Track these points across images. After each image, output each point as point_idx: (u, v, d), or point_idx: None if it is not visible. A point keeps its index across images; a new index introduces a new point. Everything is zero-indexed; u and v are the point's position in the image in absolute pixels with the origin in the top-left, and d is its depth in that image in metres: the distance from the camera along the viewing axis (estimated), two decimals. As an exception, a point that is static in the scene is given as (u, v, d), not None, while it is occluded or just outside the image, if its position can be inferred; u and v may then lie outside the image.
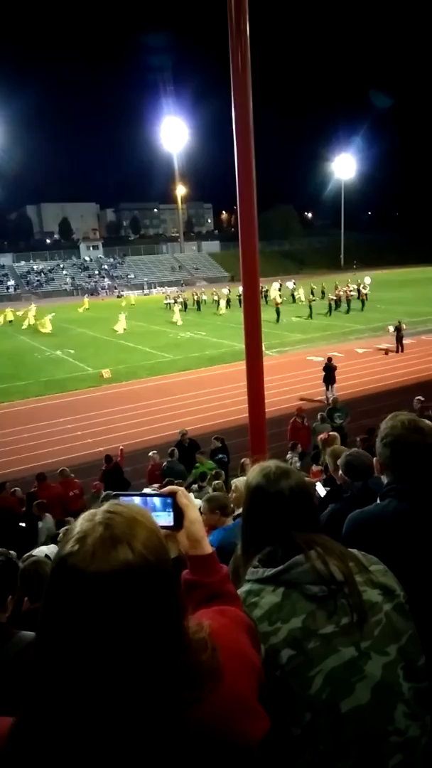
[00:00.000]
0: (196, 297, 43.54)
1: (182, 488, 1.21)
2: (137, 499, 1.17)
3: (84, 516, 0.83)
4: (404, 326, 23.18)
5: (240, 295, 40.34)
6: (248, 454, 7.91)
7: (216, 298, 40.79)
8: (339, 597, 1.16)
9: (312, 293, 36.76)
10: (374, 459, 1.96)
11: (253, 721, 0.91)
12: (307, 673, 1.08)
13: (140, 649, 0.77)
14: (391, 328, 23.48)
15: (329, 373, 16.45)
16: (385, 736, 1.05)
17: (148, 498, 1.18)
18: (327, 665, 1.08)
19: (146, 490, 6.52)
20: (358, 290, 38.21)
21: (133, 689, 0.76)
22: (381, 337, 25.22)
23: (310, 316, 33.25)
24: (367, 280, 41.77)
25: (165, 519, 1.17)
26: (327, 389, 16.50)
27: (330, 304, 34.98)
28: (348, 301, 35.82)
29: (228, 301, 40.32)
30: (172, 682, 0.81)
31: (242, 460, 8.95)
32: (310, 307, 33.81)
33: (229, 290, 43.47)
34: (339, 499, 3.24)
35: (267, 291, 38.98)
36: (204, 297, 43.59)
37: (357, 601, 1.15)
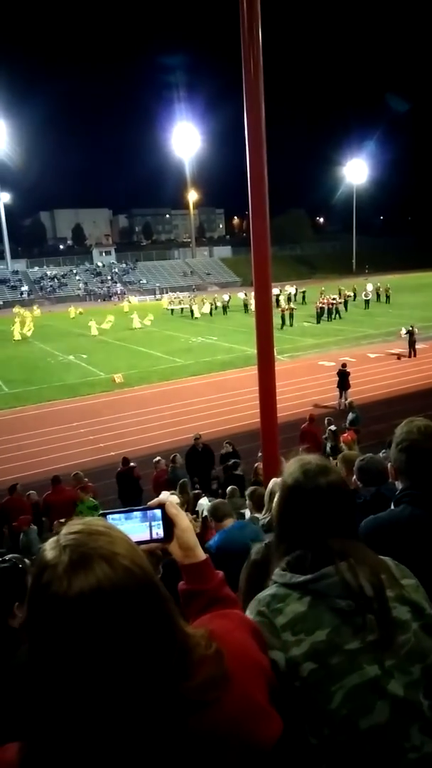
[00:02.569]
0: (184, 304, 44.43)
1: (170, 499, 1.20)
2: (136, 514, 1.16)
3: (48, 544, 0.81)
4: (417, 331, 23.04)
5: (226, 304, 40.89)
6: (261, 458, 7.88)
7: (191, 304, 41.91)
8: (367, 612, 1.12)
9: (290, 299, 36.22)
10: (388, 464, 1.94)
11: (266, 724, 0.90)
12: (327, 688, 1.06)
13: (136, 659, 0.76)
14: (404, 333, 23.35)
15: (343, 378, 16.39)
16: (403, 753, 1.03)
17: (136, 512, 1.17)
18: (349, 682, 1.06)
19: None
20: (345, 297, 37.80)
21: (136, 700, 0.75)
22: (393, 342, 25.09)
23: (282, 326, 31.42)
24: (369, 287, 41.18)
25: (156, 531, 1.16)
26: (341, 395, 16.44)
27: (317, 312, 34.20)
28: (329, 311, 34.78)
29: (220, 307, 41.20)
30: (175, 687, 0.79)
31: (255, 465, 8.93)
32: (282, 317, 32.03)
33: (215, 297, 44.00)
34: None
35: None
36: (193, 305, 43.91)
37: (385, 618, 1.12)
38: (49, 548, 0.80)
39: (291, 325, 32.26)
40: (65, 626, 0.73)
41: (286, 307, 34.11)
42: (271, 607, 1.17)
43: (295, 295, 43.57)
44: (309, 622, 1.12)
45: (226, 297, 43.65)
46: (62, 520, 8.88)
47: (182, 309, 43.70)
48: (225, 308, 41.48)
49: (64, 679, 0.73)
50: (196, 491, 10.04)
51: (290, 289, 44.72)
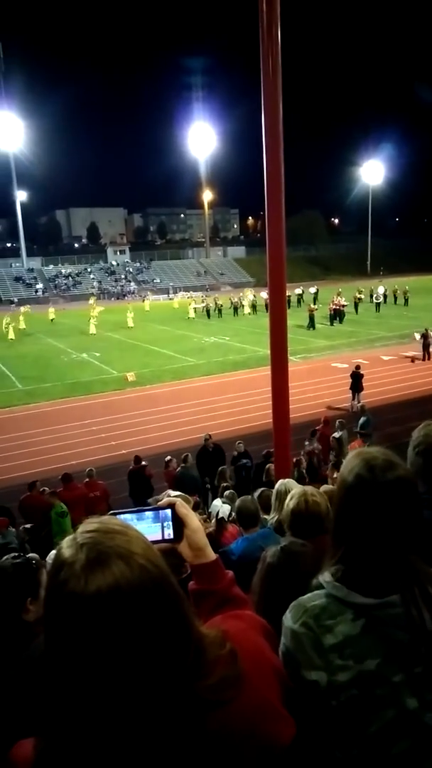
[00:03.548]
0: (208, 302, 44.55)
1: (180, 499, 1.20)
2: (149, 514, 1.16)
3: (65, 542, 0.81)
4: (431, 333, 22.85)
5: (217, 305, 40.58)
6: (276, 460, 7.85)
7: (215, 303, 42.19)
8: (421, 646, 1.05)
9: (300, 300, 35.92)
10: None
11: (280, 725, 0.90)
12: (366, 715, 1.03)
13: (152, 658, 0.76)
14: (418, 336, 23.16)
15: (356, 380, 16.29)
16: None
17: (148, 512, 1.16)
18: (388, 714, 1.02)
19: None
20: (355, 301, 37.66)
21: (152, 698, 0.75)
22: (407, 345, 24.91)
23: (309, 326, 31.97)
24: (381, 289, 40.60)
25: (166, 531, 1.16)
26: (354, 397, 16.34)
27: (331, 314, 33.96)
28: (340, 314, 34.32)
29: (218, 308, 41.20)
30: (190, 686, 0.80)
31: (267, 466, 8.91)
32: (311, 317, 32.28)
33: (240, 296, 43.98)
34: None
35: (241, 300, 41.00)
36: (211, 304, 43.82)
37: None
38: (66, 546, 0.80)
39: (313, 327, 32.19)
40: (82, 624, 0.73)
41: (314, 307, 34.04)
42: (320, 621, 1.09)
43: (315, 296, 43.53)
44: (360, 649, 1.05)
45: (251, 296, 43.33)
46: (27, 526, 8.73)
47: (204, 308, 42.24)
48: (236, 309, 41.27)
49: (80, 676, 0.73)
50: (227, 488, 9.96)
51: (312, 290, 44.85)
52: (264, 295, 41.08)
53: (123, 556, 0.77)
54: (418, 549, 1.12)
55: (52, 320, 41.60)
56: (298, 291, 44.45)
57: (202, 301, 44.22)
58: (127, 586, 0.75)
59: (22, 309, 42.70)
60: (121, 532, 0.81)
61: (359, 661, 1.03)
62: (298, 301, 42.51)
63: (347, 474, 1.17)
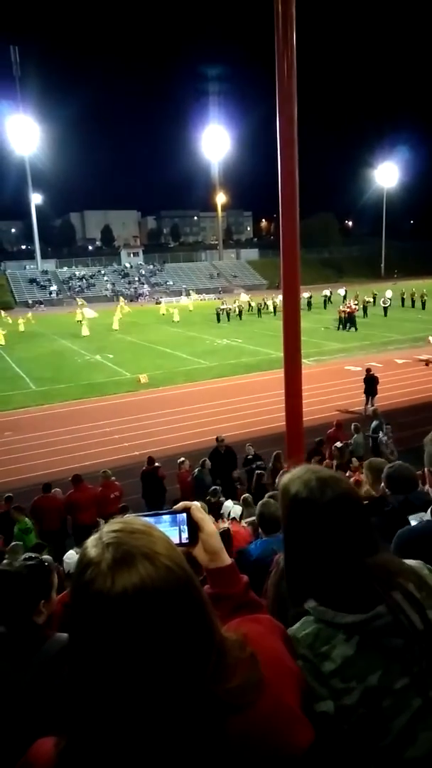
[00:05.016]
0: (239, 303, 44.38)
1: (196, 503, 1.20)
2: (166, 518, 1.17)
3: (90, 542, 0.82)
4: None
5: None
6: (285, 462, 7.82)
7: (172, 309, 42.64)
8: (416, 646, 1.05)
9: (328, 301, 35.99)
10: (426, 470, 1.90)
11: (299, 730, 0.89)
12: (378, 728, 1.02)
13: (175, 659, 0.76)
14: (433, 339, 23.01)
15: (370, 384, 16.16)
16: None
17: (165, 515, 1.17)
18: (399, 722, 1.01)
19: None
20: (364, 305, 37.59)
21: (174, 700, 0.75)
22: (421, 348, 24.70)
23: (348, 327, 32.57)
24: (389, 293, 40.20)
25: (182, 535, 1.16)
26: (367, 401, 16.22)
27: (345, 317, 33.75)
28: (351, 318, 33.81)
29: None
30: (211, 689, 0.79)
31: (282, 472, 8.88)
32: (344, 320, 32.68)
33: (264, 298, 43.91)
34: (380, 513, 3.17)
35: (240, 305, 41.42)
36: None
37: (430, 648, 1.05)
38: (92, 545, 0.80)
39: (347, 327, 32.22)
40: (107, 623, 0.74)
41: (354, 307, 34.09)
42: (316, 650, 1.07)
43: (344, 297, 43.38)
44: (360, 667, 1.04)
45: (279, 298, 43.08)
46: None
47: (228, 311, 41.02)
48: (240, 312, 40.97)
49: (104, 675, 0.74)
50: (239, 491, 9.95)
51: (341, 291, 44.77)
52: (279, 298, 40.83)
53: (148, 556, 0.77)
54: (372, 551, 1.13)
55: (79, 321, 40.88)
56: (327, 292, 44.91)
57: (234, 302, 43.47)
58: (152, 586, 0.75)
59: (21, 319, 41.62)
60: (145, 533, 0.82)
61: (362, 680, 1.02)
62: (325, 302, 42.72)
63: (296, 493, 1.17)
